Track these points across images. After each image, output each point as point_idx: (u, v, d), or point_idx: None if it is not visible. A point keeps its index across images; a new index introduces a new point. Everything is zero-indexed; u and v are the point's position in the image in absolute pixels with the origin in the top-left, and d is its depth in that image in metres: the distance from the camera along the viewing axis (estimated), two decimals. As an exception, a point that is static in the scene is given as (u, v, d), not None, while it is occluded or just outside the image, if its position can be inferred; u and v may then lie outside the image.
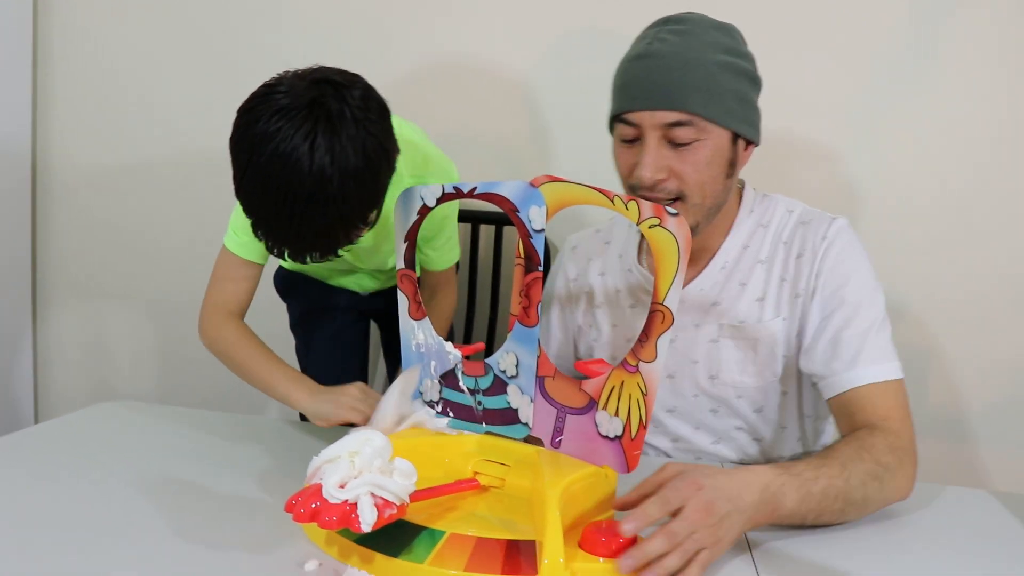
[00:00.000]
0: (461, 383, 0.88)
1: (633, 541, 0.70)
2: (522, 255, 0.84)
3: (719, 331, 1.00)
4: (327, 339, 1.10)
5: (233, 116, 0.85)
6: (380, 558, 0.67)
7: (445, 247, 1.18)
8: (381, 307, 1.31)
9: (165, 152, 1.75)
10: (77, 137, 1.79)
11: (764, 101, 0.98)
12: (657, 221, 0.73)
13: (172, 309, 1.81)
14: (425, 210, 0.87)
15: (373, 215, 0.89)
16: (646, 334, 0.75)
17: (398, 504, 0.67)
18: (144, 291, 1.83)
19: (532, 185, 0.80)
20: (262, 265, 1.05)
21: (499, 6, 1.56)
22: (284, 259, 0.87)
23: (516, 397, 0.84)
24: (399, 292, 0.91)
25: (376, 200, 0.87)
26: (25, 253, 1.80)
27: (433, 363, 0.90)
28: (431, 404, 0.91)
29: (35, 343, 1.86)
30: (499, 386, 0.85)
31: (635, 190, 0.92)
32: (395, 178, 0.96)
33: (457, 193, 0.84)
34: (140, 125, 1.75)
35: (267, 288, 1.71)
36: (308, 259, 0.87)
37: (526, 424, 0.83)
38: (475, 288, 1.57)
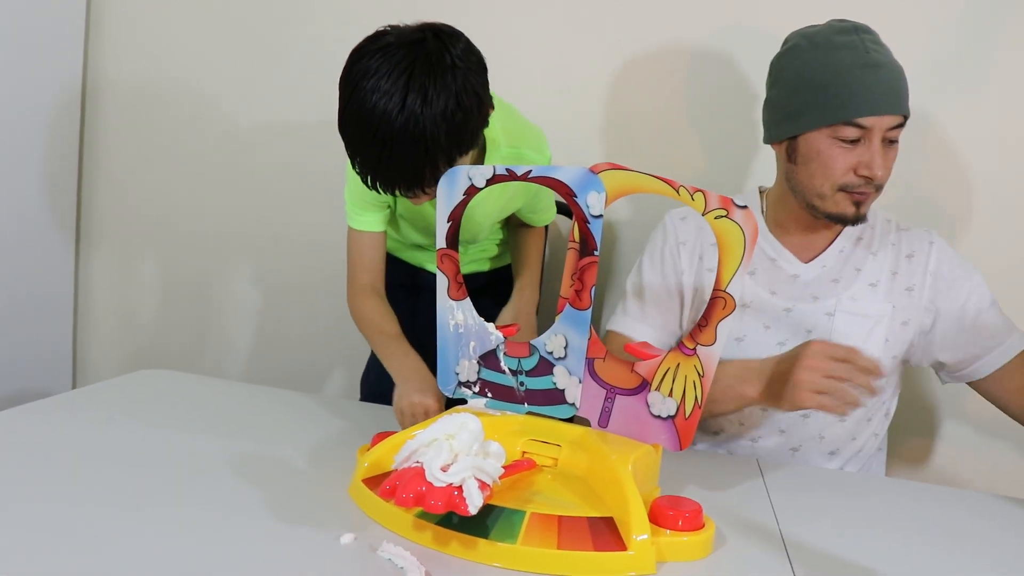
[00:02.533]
0: (503, 364, 0.89)
1: (697, 517, 0.75)
2: (576, 239, 0.85)
3: (836, 304, 1.11)
4: (403, 315, 1.13)
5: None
6: (483, 543, 0.67)
7: (546, 208, 1.27)
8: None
9: (208, 133, 1.78)
10: (121, 120, 1.84)
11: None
12: (724, 212, 0.77)
13: (211, 285, 1.84)
14: (473, 190, 0.87)
15: (465, 159, 0.94)
16: (706, 319, 0.78)
17: (491, 485, 0.68)
18: (184, 271, 1.86)
19: (592, 171, 0.81)
20: (382, 232, 1.14)
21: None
22: (378, 191, 0.93)
23: (563, 378, 0.85)
24: (438, 272, 0.90)
25: (464, 145, 0.91)
26: (70, 231, 1.84)
27: (472, 343, 0.90)
28: (468, 385, 0.91)
29: (76, 309, 1.89)
30: (545, 367, 0.86)
31: (848, 188, 1.04)
32: (491, 146, 0.98)
33: (510, 175, 0.84)
34: (184, 108, 1.79)
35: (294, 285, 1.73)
36: (398, 192, 0.93)
37: (573, 404, 0.86)
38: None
